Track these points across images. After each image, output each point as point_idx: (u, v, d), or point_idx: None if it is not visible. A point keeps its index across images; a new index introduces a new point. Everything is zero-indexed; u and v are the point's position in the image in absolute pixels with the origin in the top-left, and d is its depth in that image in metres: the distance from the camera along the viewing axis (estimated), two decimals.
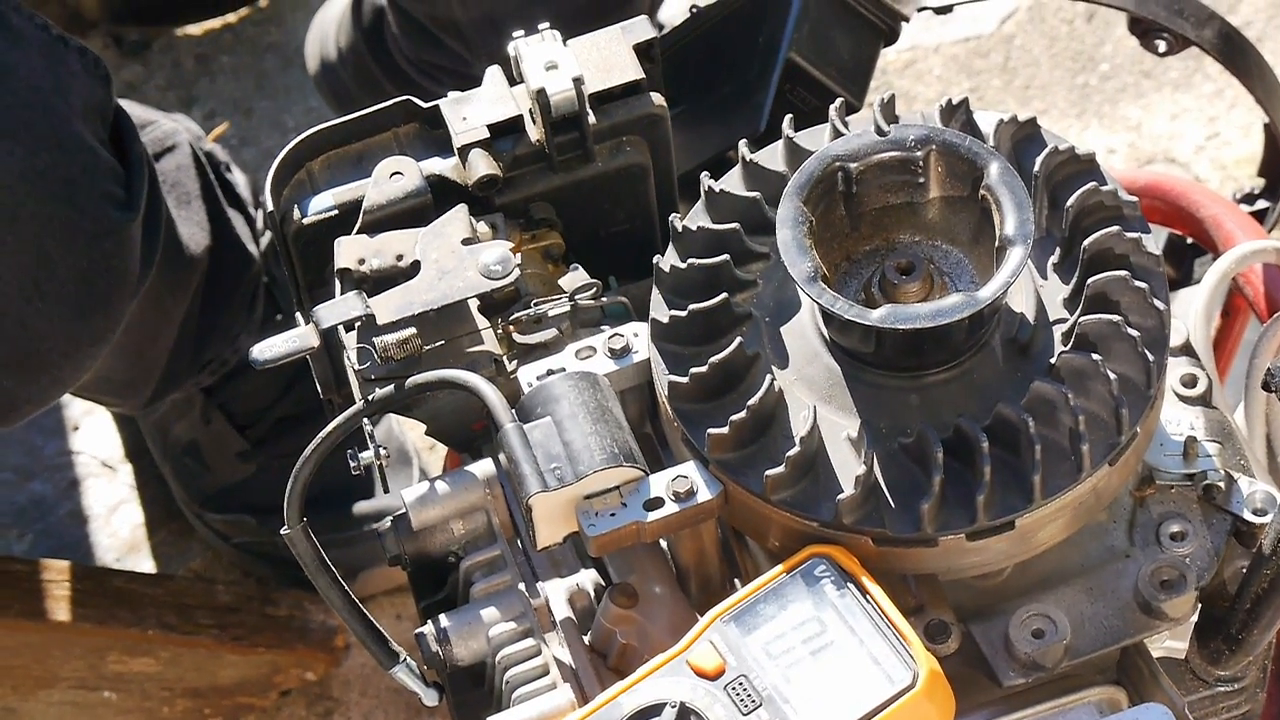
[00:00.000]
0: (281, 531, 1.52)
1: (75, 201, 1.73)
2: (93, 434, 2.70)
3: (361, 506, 2.46)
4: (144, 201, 1.83)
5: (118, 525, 2.65)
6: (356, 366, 1.53)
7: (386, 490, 1.65)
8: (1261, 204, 2.07)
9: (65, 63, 1.85)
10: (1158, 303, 1.43)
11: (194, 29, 3.05)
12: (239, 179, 2.41)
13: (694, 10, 1.95)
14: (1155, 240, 1.48)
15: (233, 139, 2.94)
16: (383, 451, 1.58)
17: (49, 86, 1.75)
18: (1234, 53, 1.93)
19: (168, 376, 2.28)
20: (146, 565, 2.61)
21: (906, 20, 1.94)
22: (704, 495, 1.42)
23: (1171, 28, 1.89)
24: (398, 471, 2.48)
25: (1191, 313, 1.75)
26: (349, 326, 1.54)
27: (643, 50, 1.63)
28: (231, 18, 3.06)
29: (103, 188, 1.75)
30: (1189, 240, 2.00)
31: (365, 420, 1.52)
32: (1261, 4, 2.96)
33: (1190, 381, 1.55)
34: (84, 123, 1.80)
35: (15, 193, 1.70)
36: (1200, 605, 1.51)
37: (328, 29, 2.79)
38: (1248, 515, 1.48)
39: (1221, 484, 1.50)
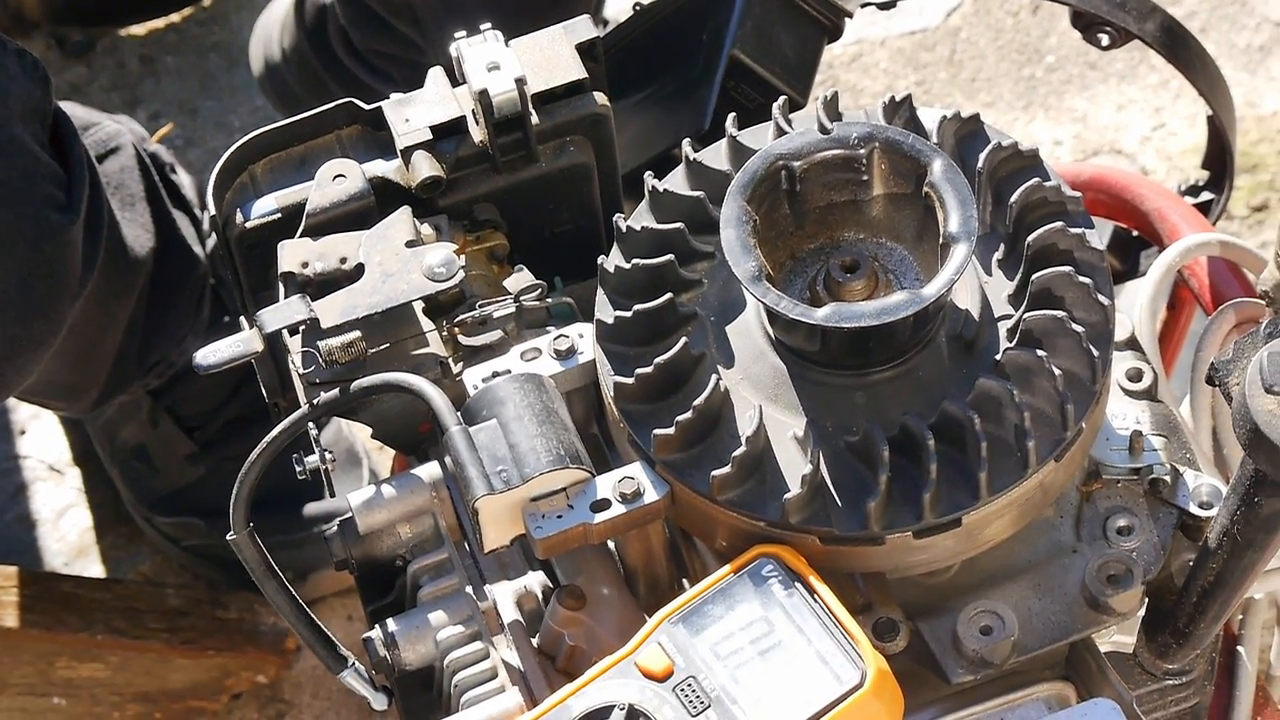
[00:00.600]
0: (228, 537, 1.51)
1: (14, 205, 1.72)
2: (39, 438, 2.69)
3: (311, 508, 2.45)
4: (85, 204, 1.82)
5: (66, 529, 2.64)
6: (301, 370, 1.52)
7: (333, 494, 1.65)
8: (1206, 196, 2.08)
9: (3, 65, 1.84)
10: (1102, 298, 1.43)
11: (137, 29, 3.04)
12: (184, 180, 2.40)
13: (637, 7, 1.95)
14: (1100, 235, 1.48)
15: (178, 139, 2.93)
16: (329, 455, 1.58)
17: None
18: (1176, 45, 1.93)
19: (113, 379, 2.27)
20: (95, 569, 2.61)
21: (850, 16, 1.94)
22: (651, 496, 1.42)
23: (1114, 21, 1.90)
24: (347, 473, 2.48)
25: (1137, 306, 1.75)
26: (293, 330, 1.53)
27: (585, 50, 1.63)
28: (175, 17, 3.05)
29: (43, 191, 1.75)
30: (1134, 233, 2.00)
31: (310, 424, 1.52)
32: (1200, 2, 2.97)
33: (1136, 376, 1.56)
34: (23, 125, 1.79)
35: None
36: (1147, 599, 1.51)
37: (271, 30, 2.79)
38: (1194, 509, 1.49)
39: (1167, 478, 1.50)
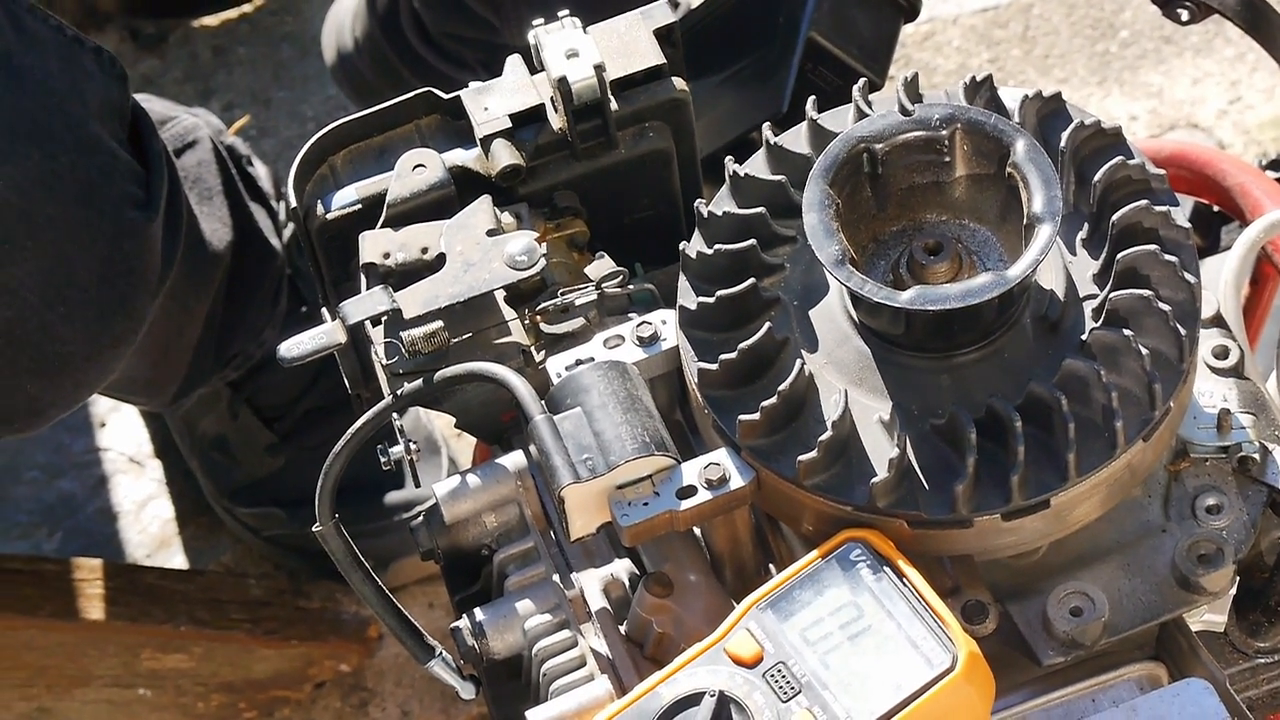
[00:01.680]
0: (314, 529, 1.51)
1: (94, 203, 1.72)
2: (120, 430, 2.70)
3: (392, 497, 2.46)
4: (164, 200, 1.82)
5: (147, 521, 2.65)
6: (384, 361, 1.52)
7: (418, 484, 1.65)
8: None
9: (81, 63, 1.84)
10: (1188, 276, 1.43)
11: (210, 20, 3.05)
12: (260, 172, 2.41)
13: None
14: (1183, 211, 1.47)
15: (251, 130, 2.93)
16: (413, 445, 1.58)
17: (65, 88, 1.74)
18: (1256, 18, 1.92)
19: (193, 373, 2.27)
20: (177, 561, 2.61)
21: None
22: (736, 482, 1.41)
23: None
24: (427, 461, 2.48)
25: (1220, 282, 1.74)
26: (375, 321, 1.53)
27: (663, 35, 1.63)
28: (247, 8, 3.05)
29: (121, 188, 1.74)
30: (1215, 209, 1.99)
31: (394, 415, 1.52)
32: None
33: (1222, 353, 1.55)
34: (101, 123, 1.79)
35: (33, 196, 1.69)
36: (1238, 578, 1.50)
37: (343, 18, 2.79)
38: None
39: (1256, 456, 1.49)
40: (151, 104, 2.23)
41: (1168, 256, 1.42)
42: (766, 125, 1.53)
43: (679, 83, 1.63)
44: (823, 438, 1.39)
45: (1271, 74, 2.82)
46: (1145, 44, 2.90)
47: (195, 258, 2.06)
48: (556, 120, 1.61)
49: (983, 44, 2.92)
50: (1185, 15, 1.92)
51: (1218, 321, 1.57)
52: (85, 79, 1.83)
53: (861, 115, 1.50)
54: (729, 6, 1.94)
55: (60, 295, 1.72)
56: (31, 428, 1.81)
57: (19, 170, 1.69)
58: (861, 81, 1.52)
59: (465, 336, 1.54)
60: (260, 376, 2.45)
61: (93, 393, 1.87)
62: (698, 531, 1.51)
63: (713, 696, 1.34)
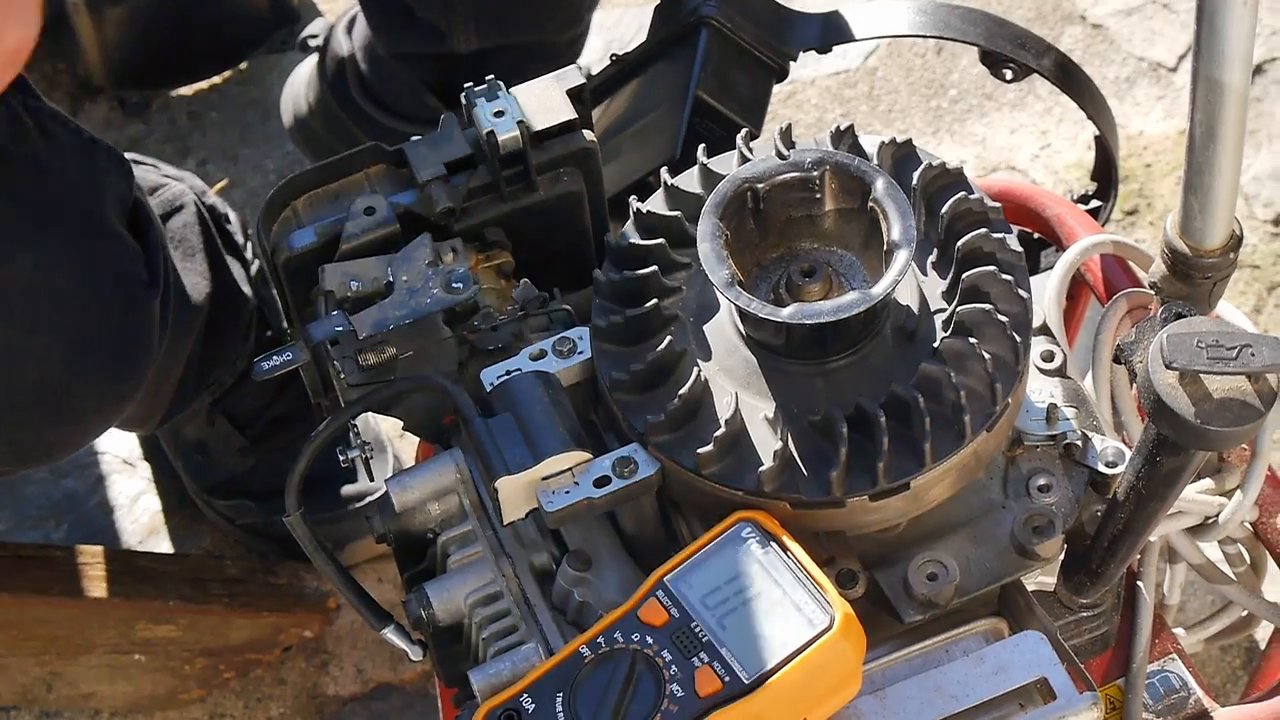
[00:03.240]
0: (283, 518, 1.48)
1: (108, 283, 1.68)
2: (114, 436, 2.66)
3: (347, 489, 2.42)
4: (162, 279, 1.78)
5: (139, 513, 2.61)
6: (342, 374, 1.49)
7: (371, 478, 1.62)
8: (1095, 203, 2.05)
9: (96, 161, 1.81)
10: (1022, 292, 1.41)
11: (186, 90, 3.01)
12: (235, 226, 2.37)
13: (614, 58, 1.92)
14: (1014, 238, 1.45)
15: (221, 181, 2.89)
16: (366, 446, 1.55)
17: (84, 183, 1.70)
18: (1068, 77, 1.91)
19: (175, 403, 2.24)
20: (165, 546, 2.58)
21: (794, 59, 1.91)
22: (644, 472, 1.39)
23: (1016, 58, 1.87)
24: (376, 459, 2.45)
25: (1045, 297, 1.73)
26: (334, 340, 1.50)
27: (574, 94, 1.60)
28: (218, 80, 3.01)
29: (130, 269, 1.71)
30: (1036, 236, 1.97)
31: (350, 420, 1.48)
32: (1079, 35, 2.94)
33: (1049, 357, 1.53)
34: (113, 213, 1.75)
35: (57, 277, 1.65)
36: (1065, 546, 1.49)
37: (298, 88, 2.77)
38: (1101, 468, 1.46)
39: (1079, 442, 1.47)
40: (146, 175, 2.19)
41: (1004, 276, 1.41)
42: (663, 169, 1.50)
43: (588, 134, 1.60)
44: (717, 434, 1.36)
45: (1074, 124, 2.82)
46: (970, 100, 2.89)
47: (180, 310, 2.03)
48: (485, 168, 1.58)
49: (836, 101, 2.90)
50: (1009, 75, 1.91)
51: (1044, 330, 1.56)
52: (100, 175, 1.80)
53: (744, 159, 1.48)
54: (628, 70, 1.92)
55: (80, 361, 1.69)
56: (45, 464, 1.78)
57: (45, 254, 1.65)
58: (744, 131, 1.50)
59: (410, 353, 1.51)
60: (234, 391, 2.41)
61: (96, 438, 1.83)
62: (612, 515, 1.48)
63: (628, 654, 1.31)
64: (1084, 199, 2.06)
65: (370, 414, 2.43)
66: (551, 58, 2.48)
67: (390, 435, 2.54)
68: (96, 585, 2.32)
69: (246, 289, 2.28)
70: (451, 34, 2.36)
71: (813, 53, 1.92)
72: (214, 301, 2.17)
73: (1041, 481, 1.47)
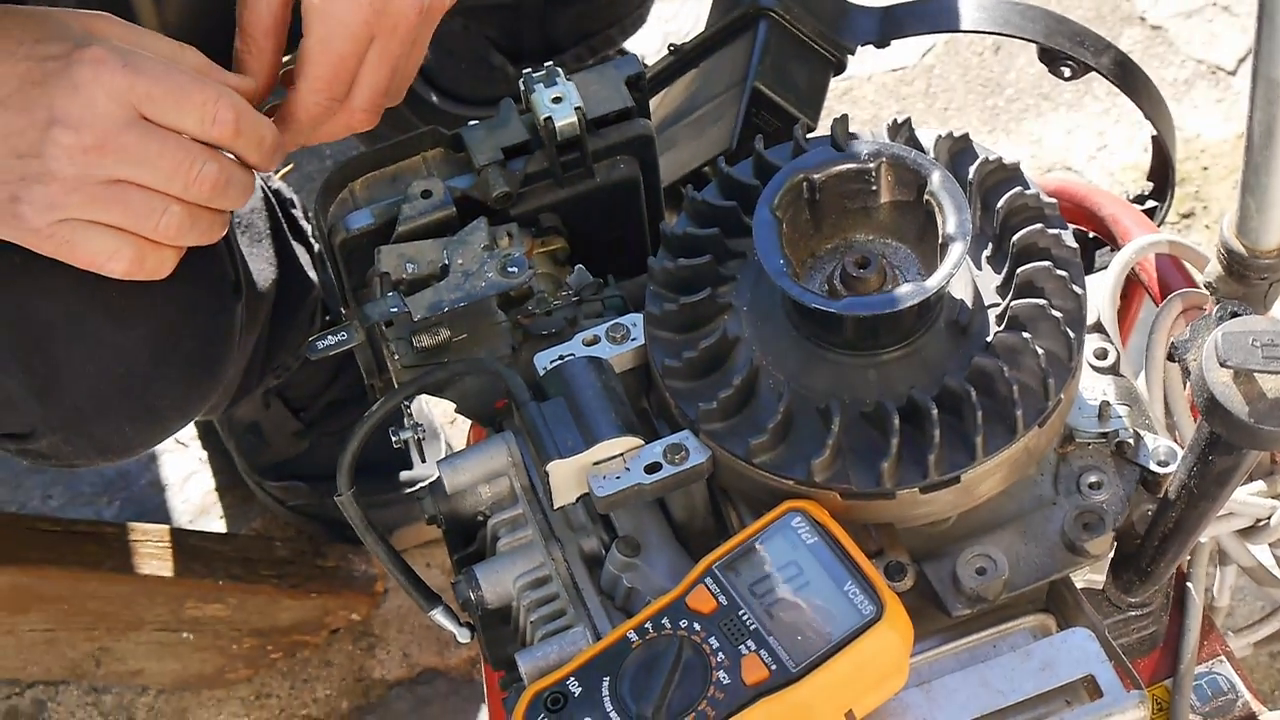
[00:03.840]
0: (335, 497, 1.47)
1: (200, 284, 1.68)
2: None
3: (401, 475, 2.43)
4: (244, 282, 1.78)
5: (190, 492, 2.62)
6: (396, 356, 1.50)
7: (423, 460, 1.62)
8: (1150, 204, 2.05)
9: None
10: (1076, 288, 1.41)
11: None
12: (300, 212, 2.37)
13: (672, 48, 1.92)
14: (1070, 234, 1.45)
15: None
16: (420, 427, 1.55)
17: None
18: (1127, 76, 1.90)
19: (240, 389, 2.24)
20: (215, 525, 2.59)
21: (851, 53, 1.91)
22: (696, 459, 1.38)
23: (1075, 56, 1.87)
24: (426, 444, 2.45)
25: (1099, 295, 1.72)
26: (389, 322, 1.51)
27: (632, 82, 1.60)
28: None
29: (220, 271, 1.71)
30: (1091, 235, 1.96)
31: (404, 401, 1.49)
32: (1138, 37, 2.93)
33: (1102, 354, 1.52)
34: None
35: None
36: (1115, 544, 1.48)
37: None
38: (1153, 466, 1.45)
39: (1131, 441, 1.46)
40: None
41: (1059, 271, 1.40)
42: (720, 158, 1.50)
43: (645, 122, 1.60)
44: (770, 423, 1.36)
45: (1131, 125, 2.81)
46: (1027, 100, 2.88)
47: (249, 299, 2.03)
48: (542, 153, 1.58)
49: (892, 98, 2.90)
50: (1067, 72, 1.91)
51: (1098, 328, 1.55)
52: None
53: (800, 151, 1.47)
54: (686, 60, 1.92)
55: (165, 358, 1.68)
56: (123, 458, 1.78)
57: None
58: (801, 122, 1.50)
59: (464, 336, 1.51)
60: (290, 375, 2.42)
61: (174, 434, 1.83)
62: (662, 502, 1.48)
63: (676, 640, 1.31)
64: (1140, 199, 2.06)
65: (422, 400, 2.44)
66: (619, 14, 2.47)
67: (441, 422, 2.54)
68: (147, 562, 2.33)
69: (311, 273, 2.28)
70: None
71: (870, 47, 1.92)
72: (280, 287, 2.17)
73: (1093, 479, 1.46)
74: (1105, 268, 1.78)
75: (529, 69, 1.58)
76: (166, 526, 2.41)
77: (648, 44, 2.73)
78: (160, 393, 1.70)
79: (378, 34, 1.54)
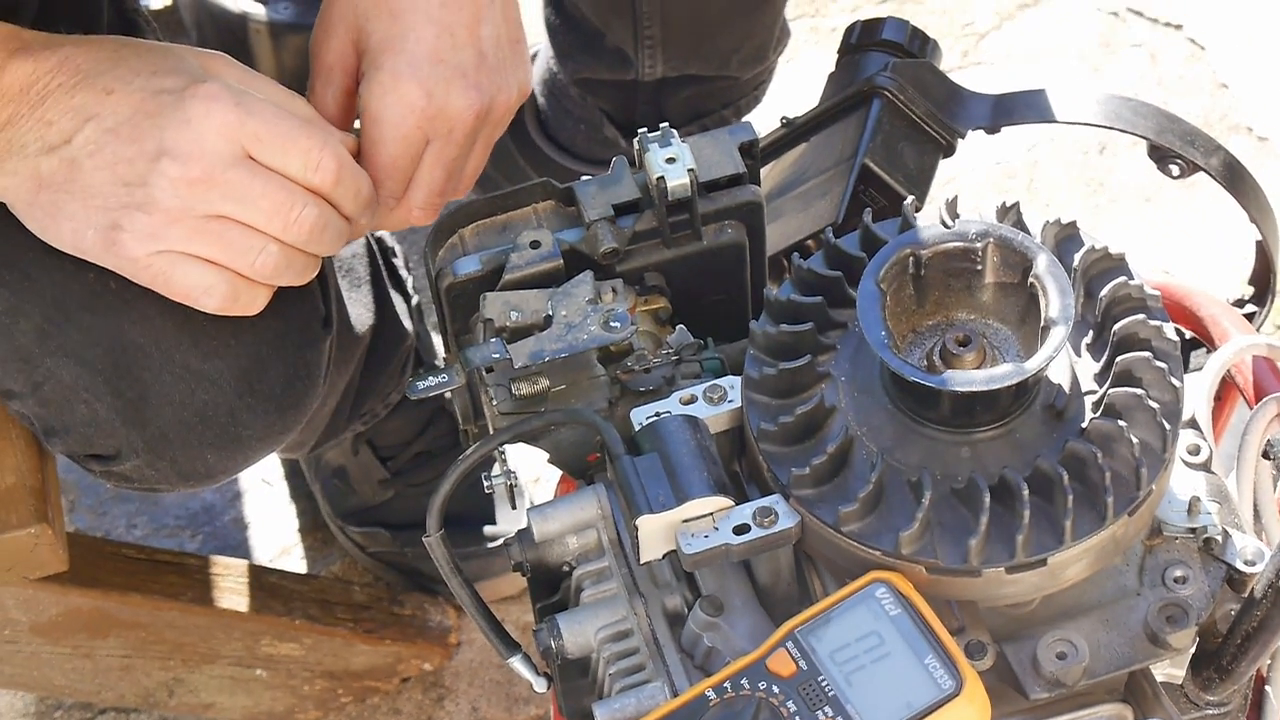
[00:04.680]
0: (424, 538, 1.49)
1: (289, 318, 1.69)
2: None
3: (486, 529, 2.44)
4: (335, 318, 1.80)
5: (273, 532, 2.64)
6: (495, 401, 1.51)
7: (513, 506, 1.63)
8: (1250, 308, 2.04)
9: None
10: (1175, 381, 1.41)
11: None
12: (400, 260, 2.39)
13: (784, 120, 1.94)
14: (1173, 328, 1.45)
15: None
16: (513, 474, 1.56)
17: None
18: (1235, 179, 1.91)
19: (328, 431, 2.26)
20: (296, 565, 2.60)
21: (962, 137, 1.92)
22: (785, 524, 1.39)
23: (1185, 155, 1.87)
24: (508, 499, 2.46)
25: (1195, 392, 1.72)
26: (489, 368, 1.52)
27: (745, 149, 1.62)
28: None
29: (310, 306, 1.73)
30: (1188, 335, 1.96)
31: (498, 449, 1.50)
32: (1244, 146, 2.93)
33: (1195, 450, 1.52)
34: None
35: None
36: (1197, 639, 1.47)
37: None
38: (1240, 565, 1.45)
39: (1219, 538, 1.46)
40: None
41: (1159, 363, 1.41)
42: (828, 229, 1.52)
43: (755, 189, 1.61)
44: (861, 493, 1.37)
45: (1234, 232, 2.80)
46: (1129, 201, 2.88)
47: (343, 339, 2.05)
48: (652, 212, 1.60)
49: (995, 190, 2.90)
50: (1176, 170, 1.91)
51: (1193, 424, 1.55)
52: None
53: (909, 226, 1.48)
54: (798, 133, 1.93)
55: (251, 389, 1.70)
56: (203, 486, 1.80)
57: None
58: (911, 198, 1.51)
59: (562, 386, 1.52)
60: (380, 423, 2.44)
61: (256, 464, 1.85)
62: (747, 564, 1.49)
63: (753, 701, 1.32)
64: (1240, 303, 2.05)
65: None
66: (733, 96, 2.49)
67: (525, 480, 2.56)
68: (226, 596, 2.34)
69: (407, 323, 2.30)
70: (639, 61, 2.37)
71: (980, 133, 1.93)
72: (375, 333, 2.19)
73: (1178, 573, 1.46)
74: (1200, 369, 1.78)
75: (644, 128, 1.60)
76: (247, 562, 2.44)
77: (757, 115, 2.75)
78: (245, 423, 1.72)
79: (433, 137, 1.61)
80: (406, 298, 2.37)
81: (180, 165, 1.48)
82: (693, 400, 1.48)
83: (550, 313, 1.53)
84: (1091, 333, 1.46)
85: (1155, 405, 1.39)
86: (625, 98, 2.23)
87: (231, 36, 2.87)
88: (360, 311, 2.16)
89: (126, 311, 1.65)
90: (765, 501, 1.40)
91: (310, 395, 1.77)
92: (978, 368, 1.40)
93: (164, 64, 1.52)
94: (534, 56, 2.67)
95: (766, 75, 2.54)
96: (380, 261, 2.27)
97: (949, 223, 1.45)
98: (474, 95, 1.61)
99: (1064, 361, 1.43)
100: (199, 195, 1.49)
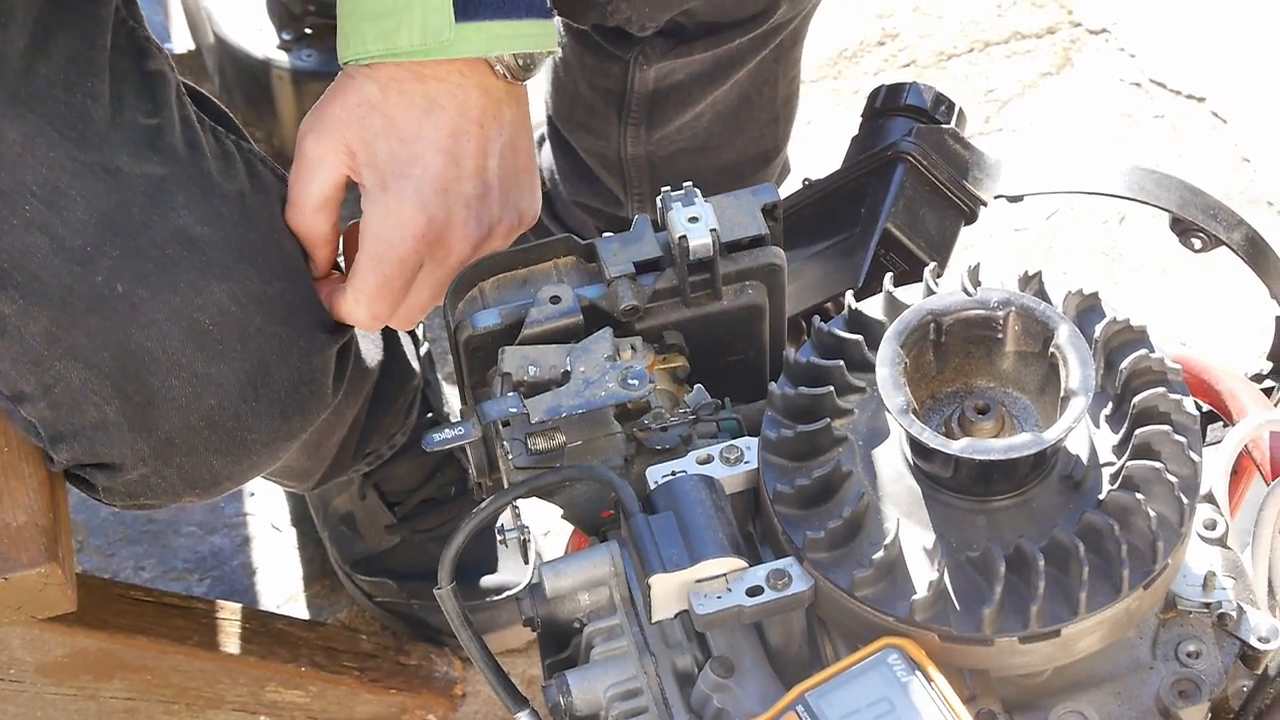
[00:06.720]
0: (435, 589, 1.49)
1: (295, 323, 1.72)
2: (265, 500, 2.69)
3: (486, 580, 2.44)
4: (345, 331, 1.82)
5: (281, 578, 2.64)
6: (510, 455, 1.51)
7: (526, 560, 1.63)
8: (1269, 384, 2.04)
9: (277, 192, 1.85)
10: (1193, 455, 1.41)
11: None
12: None
13: (806, 182, 1.94)
14: (1193, 402, 1.45)
15: None
16: (525, 528, 1.56)
17: (283, 227, 1.74)
18: (1257, 254, 1.91)
19: (334, 466, 2.27)
20: (302, 612, 2.60)
21: (985, 205, 1.92)
22: (798, 587, 1.39)
23: (1207, 229, 1.87)
24: (516, 554, 2.46)
25: (1213, 467, 1.72)
26: (506, 422, 1.52)
27: (768, 210, 1.62)
28: None
29: (317, 314, 1.75)
30: (1205, 409, 1.96)
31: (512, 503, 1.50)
32: (1266, 220, 2.93)
33: (1211, 525, 1.52)
34: (301, 253, 1.78)
35: (248, 310, 1.69)
36: (1209, 715, 1.47)
37: None
38: (1254, 642, 1.45)
39: (1234, 614, 1.46)
40: None
41: (1178, 437, 1.41)
42: (849, 293, 1.52)
43: (777, 251, 1.61)
44: (875, 557, 1.37)
45: (1253, 307, 2.80)
46: (1147, 273, 2.89)
47: (353, 373, 2.06)
48: (672, 271, 1.60)
49: (1013, 257, 2.91)
50: (1198, 244, 1.91)
51: (1209, 499, 1.55)
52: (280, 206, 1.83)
53: (930, 292, 1.48)
54: (821, 195, 1.93)
55: (256, 393, 1.72)
56: (209, 495, 1.81)
57: (239, 286, 1.69)
58: (932, 265, 1.52)
59: (578, 443, 1.52)
60: (388, 467, 2.44)
61: (260, 474, 1.87)
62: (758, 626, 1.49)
63: None
64: (1258, 378, 2.05)
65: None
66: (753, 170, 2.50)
67: (535, 534, 2.55)
68: (232, 641, 2.34)
69: (415, 363, 2.32)
70: (627, 203, 2.39)
71: (1002, 201, 1.93)
72: (383, 369, 2.20)
73: (1191, 648, 1.45)
74: (1216, 443, 1.78)
75: (668, 187, 1.60)
76: (254, 608, 2.43)
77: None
78: (250, 426, 1.74)
79: (428, 260, 1.67)
80: (416, 341, 2.38)
81: None
82: (709, 460, 1.48)
83: (568, 368, 1.53)
84: (1111, 404, 1.46)
85: (1174, 479, 1.39)
86: (618, 228, 2.26)
87: (254, 82, 2.89)
88: (369, 347, 2.18)
89: (133, 316, 1.67)
90: (779, 564, 1.40)
91: (316, 402, 1.78)
92: (996, 436, 1.40)
93: None
94: (541, 140, 2.63)
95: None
96: None
97: (971, 290, 1.45)
98: (474, 226, 1.67)
99: (1083, 432, 1.43)
100: None
